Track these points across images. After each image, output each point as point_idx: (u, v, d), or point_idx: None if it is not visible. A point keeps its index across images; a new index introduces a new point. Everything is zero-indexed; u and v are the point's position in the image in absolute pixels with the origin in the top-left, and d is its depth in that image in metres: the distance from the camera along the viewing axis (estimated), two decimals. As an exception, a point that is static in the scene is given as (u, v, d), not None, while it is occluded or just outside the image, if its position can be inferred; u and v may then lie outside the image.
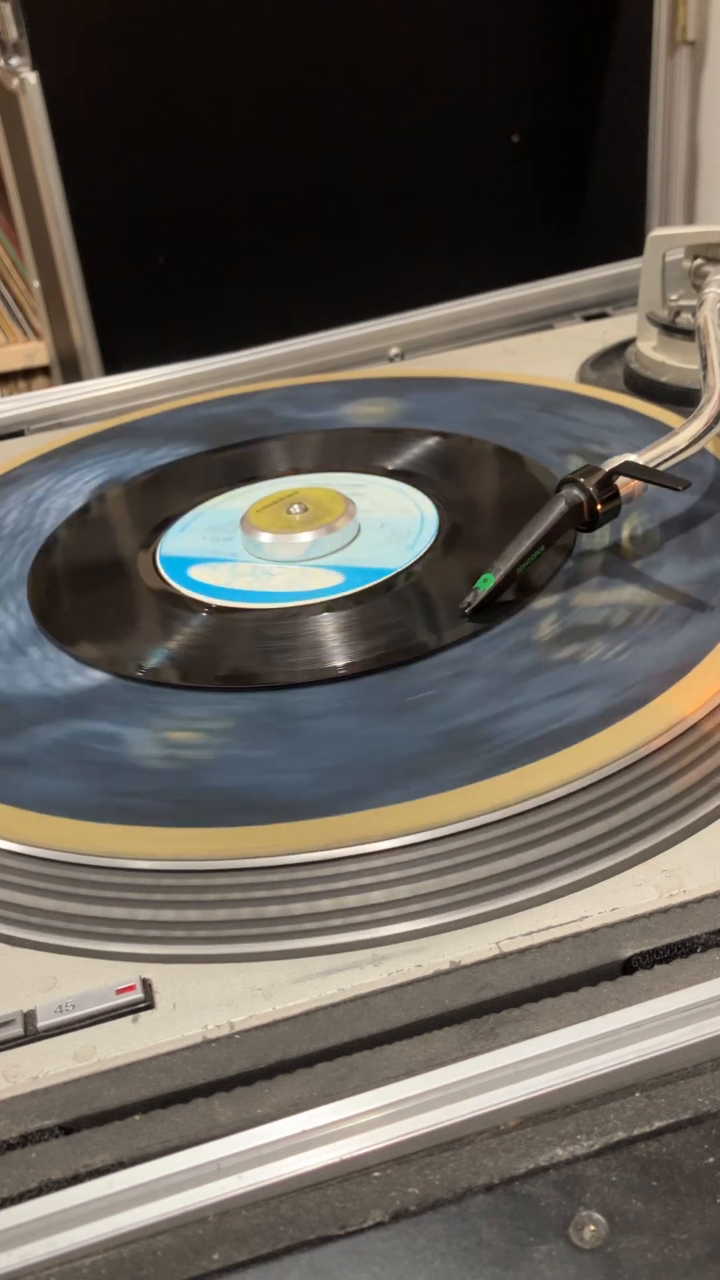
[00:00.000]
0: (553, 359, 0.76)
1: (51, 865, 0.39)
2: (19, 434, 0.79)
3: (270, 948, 0.37)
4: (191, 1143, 0.31)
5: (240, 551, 0.56)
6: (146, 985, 0.36)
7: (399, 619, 0.49)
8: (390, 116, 1.12)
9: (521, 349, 0.79)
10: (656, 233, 0.69)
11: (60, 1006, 0.35)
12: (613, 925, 0.36)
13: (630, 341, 0.73)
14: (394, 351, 0.83)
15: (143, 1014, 0.35)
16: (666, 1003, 0.33)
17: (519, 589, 0.50)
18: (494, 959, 0.36)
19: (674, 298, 0.69)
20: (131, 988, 0.36)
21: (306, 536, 0.55)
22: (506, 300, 0.86)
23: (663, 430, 0.56)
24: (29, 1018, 0.35)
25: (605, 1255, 0.28)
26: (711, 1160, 0.30)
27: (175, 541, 0.58)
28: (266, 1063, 0.33)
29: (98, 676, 0.48)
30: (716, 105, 1.20)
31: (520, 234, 1.20)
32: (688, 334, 0.67)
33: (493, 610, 0.49)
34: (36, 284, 1.18)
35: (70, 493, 0.65)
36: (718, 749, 0.41)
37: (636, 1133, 0.30)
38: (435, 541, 0.55)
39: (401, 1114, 0.31)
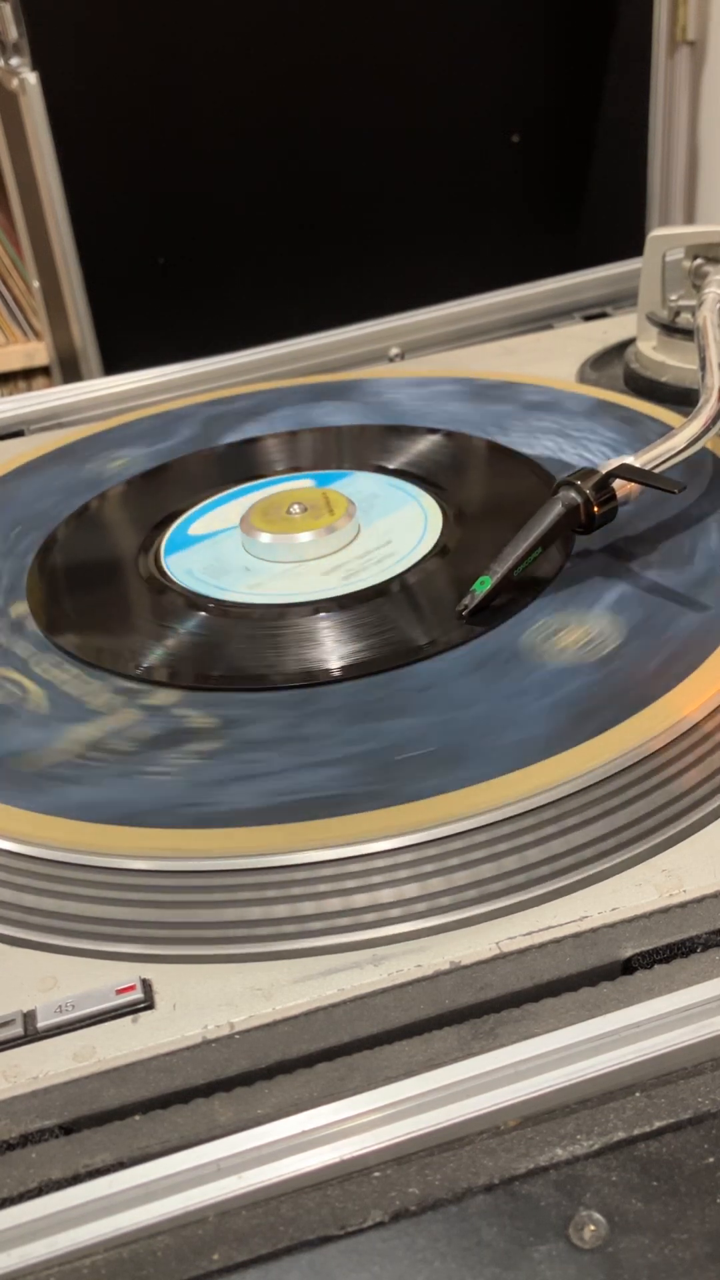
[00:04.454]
0: (553, 359, 0.76)
1: (51, 865, 0.39)
2: (19, 434, 0.79)
3: (270, 948, 0.37)
4: (191, 1143, 0.31)
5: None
6: (146, 985, 0.36)
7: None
8: (390, 116, 1.12)
9: (521, 349, 0.79)
10: (656, 233, 0.69)
11: (60, 1006, 0.35)
12: (613, 925, 0.36)
13: (630, 341, 0.73)
14: (394, 351, 0.83)
15: (143, 1014, 0.35)
16: (666, 1003, 0.33)
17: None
18: (494, 959, 0.36)
19: (674, 298, 0.69)
20: (131, 988, 0.36)
21: (306, 536, 0.55)
22: (506, 300, 0.86)
23: (662, 430, 0.56)
24: (29, 1018, 0.35)
25: (605, 1255, 0.28)
26: (711, 1160, 0.30)
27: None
28: (266, 1063, 0.33)
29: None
30: (716, 105, 1.20)
31: (520, 234, 1.21)
32: (687, 334, 0.67)
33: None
34: (36, 284, 1.18)
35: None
36: (718, 749, 0.41)
37: (636, 1133, 0.30)
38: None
39: (401, 1114, 0.31)
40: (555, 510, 0.50)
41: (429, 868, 0.38)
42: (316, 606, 0.51)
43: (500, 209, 1.19)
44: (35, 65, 1.00)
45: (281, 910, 0.37)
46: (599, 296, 0.87)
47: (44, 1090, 0.33)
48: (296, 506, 0.56)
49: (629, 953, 0.35)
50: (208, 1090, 0.33)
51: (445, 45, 1.11)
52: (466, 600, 0.49)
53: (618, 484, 0.51)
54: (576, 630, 0.47)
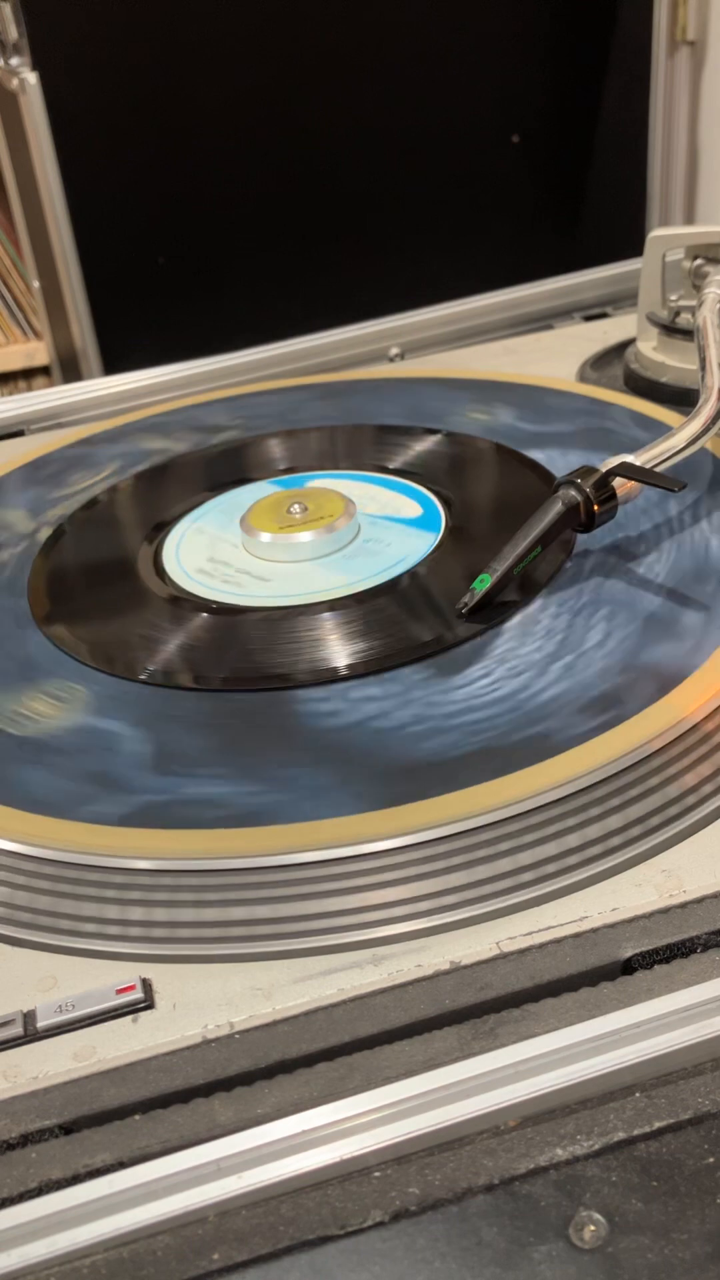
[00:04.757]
0: (553, 359, 0.76)
1: (51, 865, 0.39)
2: (19, 434, 0.79)
3: (270, 948, 0.37)
4: (191, 1143, 0.31)
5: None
6: (146, 985, 0.36)
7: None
8: (391, 116, 1.12)
9: (521, 349, 0.79)
10: (656, 233, 0.69)
11: (60, 1006, 0.35)
12: (613, 925, 0.36)
13: (630, 341, 0.73)
14: (394, 351, 0.83)
15: (143, 1014, 0.35)
16: (666, 1003, 0.33)
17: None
18: (494, 959, 0.36)
19: (674, 298, 0.69)
20: (131, 988, 0.36)
21: (307, 536, 0.55)
22: (506, 300, 0.86)
23: (662, 430, 0.56)
24: (29, 1018, 0.35)
25: (605, 1255, 0.28)
26: (711, 1160, 0.30)
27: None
28: (266, 1063, 0.33)
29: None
30: (716, 105, 1.20)
31: (520, 234, 1.20)
32: (687, 334, 0.67)
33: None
34: (36, 284, 1.18)
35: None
36: (718, 749, 0.41)
37: (636, 1133, 0.30)
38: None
39: (401, 1114, 0.31)
40: (555, 509, 0.50)
41: (429, 868, 0.38)
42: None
43: (500, 209, 1.19)
44: (35, 65, 1.00)
45: (281, 910, 0.37)
46: (599, 296, 0.87)
47: (44, 1090, 0.33)
48: (297, 506, 0.56)
49: (629, 953, 0.35)
50: (208, 1090, 0.33)
51: (445, 46, 1.11)
52: (466, 598, 0.49)
53: (618, 482, 0.51)
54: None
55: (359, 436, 0.66)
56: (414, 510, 0.57)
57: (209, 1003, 0.35)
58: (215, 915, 0.38)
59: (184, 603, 0.53)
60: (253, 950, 0.37)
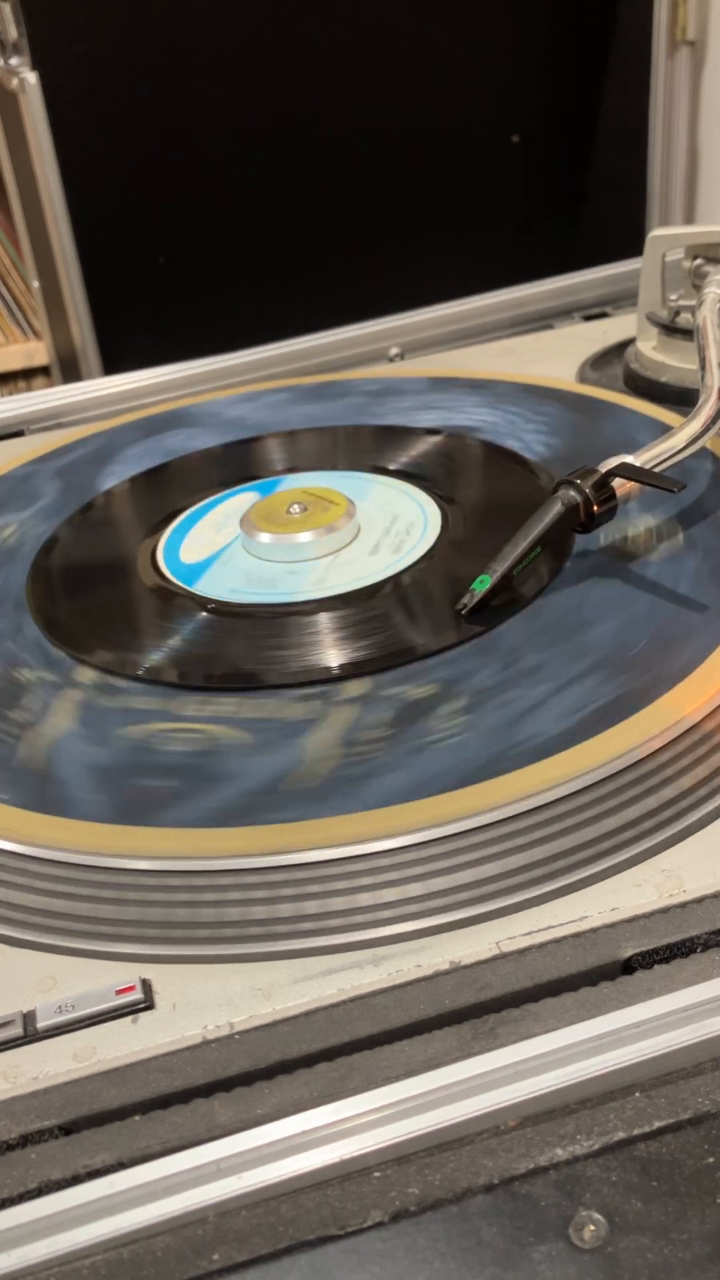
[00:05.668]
0: (553, 359, 0.76)
1: (51, 865, 0.39)
2: (19, 434, 0.79)
3: (270, 948, 0.37)
4: (191, 1143, 0.31)
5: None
6: (146, 985, 0.36)
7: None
8: (391, 116, 1.12)
9: (521, 349, 0.79)
10: (656, 233, 0.69)
11: (60, 1007, 0.35)
12: (612, 925, 0.36)
13: (630, 341, 0.73)
14: (394, 351, 0.83)
15: (142, 1014, 0.35)
16: (666, 1003, 0.33)
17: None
18: (494, 959, 0.36)
19: (674, 298, 0.70)
20: (131, 988, 0.36)
21: (306, 536, 0.55)
22: (506, 300, 0.86)
23: (662, 430, 0.56)
24: (29, 1018, 0.35)
25: (605, 1255, 0.28)
26: (711, 1160, 0.30)
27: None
28: (266, 1063, 0.33)
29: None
30: (716, 105, 1.20)
31: (520, 234, 1.21)
32: (687, 334, 0.67)
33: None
34: (36, 284, 1.18)
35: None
36: (718, 749, 0.41)
37: (636, 1133, 0.30)
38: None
39: (401, 1114, 0.31)
40: (555, 509, 0.50)
41: (429, 868, 0.38)
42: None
43: (500, 209, 1.19)
44: (35, 65, 1.00)
45: (281, 910, 0.37)
46: (599, 296, 0.87)
47: (44, 1090, 0.33)
48: (296, 506, 0.56)
49: (629, 953, 0.35)
50: (208, 1090, 0.33)
51: (445, 45, 1.11)
52: (465, 599, 0.49)
53: (617, 483, 0.51)
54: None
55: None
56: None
57: (209, 1003, 0.35)
58: (215, 915, 0.38)
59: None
60: (253, 950, 0.37)
